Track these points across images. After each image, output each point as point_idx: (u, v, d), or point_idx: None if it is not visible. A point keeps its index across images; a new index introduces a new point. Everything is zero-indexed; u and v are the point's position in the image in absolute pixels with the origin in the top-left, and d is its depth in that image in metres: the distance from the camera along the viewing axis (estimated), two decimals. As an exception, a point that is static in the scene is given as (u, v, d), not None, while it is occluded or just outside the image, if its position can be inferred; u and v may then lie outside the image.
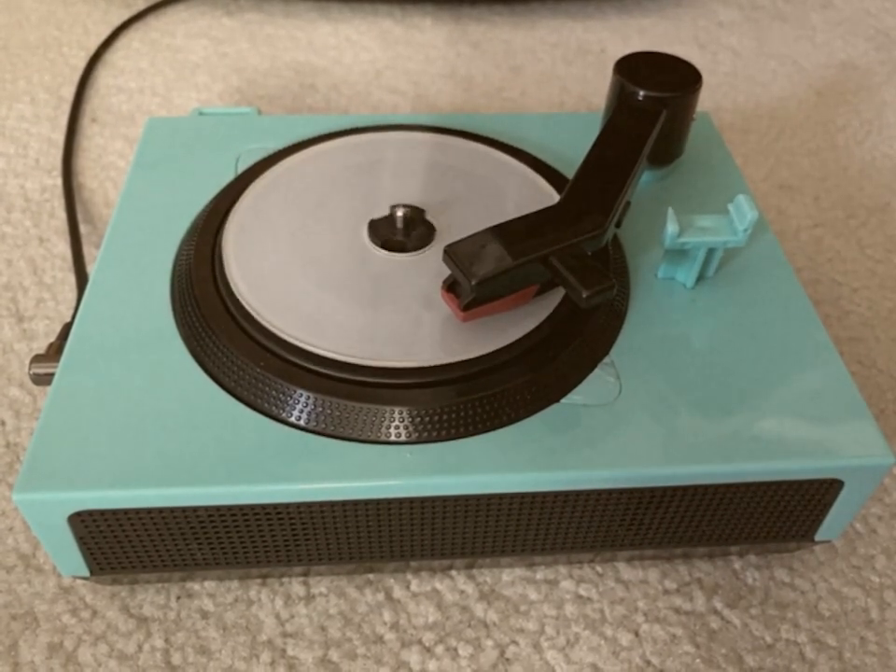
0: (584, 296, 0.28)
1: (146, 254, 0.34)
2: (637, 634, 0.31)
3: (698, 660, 0.31)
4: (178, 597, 0.32)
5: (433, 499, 0.28)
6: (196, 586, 0.32)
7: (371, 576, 0.33)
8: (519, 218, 0.30)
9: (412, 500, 0.28)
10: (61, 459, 0.27)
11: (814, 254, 0.48)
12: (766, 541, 0.32)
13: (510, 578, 0.33)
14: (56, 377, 0.29)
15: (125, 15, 0.67)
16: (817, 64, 0.65)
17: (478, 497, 0.28)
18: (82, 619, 0.31)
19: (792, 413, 0.29)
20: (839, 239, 0.49)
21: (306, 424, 0.28)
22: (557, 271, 0.29)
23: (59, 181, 0.51)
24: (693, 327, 0.32)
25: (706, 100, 0.61)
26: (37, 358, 0.32)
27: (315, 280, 0.32)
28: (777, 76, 0.64)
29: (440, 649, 0.31)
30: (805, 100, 0.61)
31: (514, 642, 0.31)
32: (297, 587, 0.32)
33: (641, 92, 0.36)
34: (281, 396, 0.29)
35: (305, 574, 0.32)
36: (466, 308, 0.29)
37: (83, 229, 0.47)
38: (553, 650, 0.31)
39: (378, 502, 0.28)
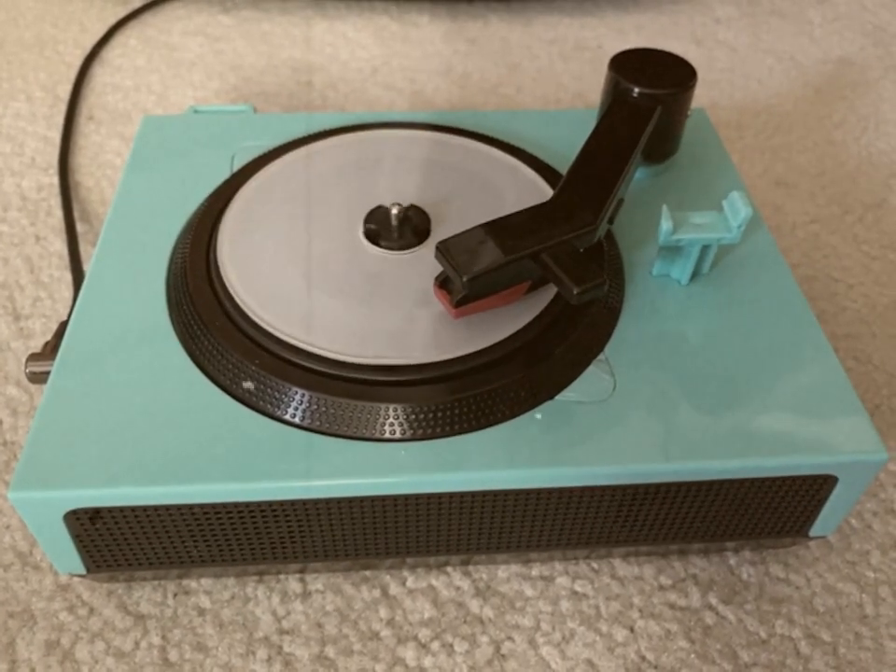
0: (575, 292, 0.28)
1: (141, 252, 0.34)
2: (632, 630, 0.31)
3: (693, 655, 0.31)
4: (175, 595, 0.32)
5: (428, 496, 0.28)
6: (193, 583, 0.32)
7: (367, 573, 0.33)
8: (511, 215, 0.30)
9: (407, 497, 0.28)
10: (57, 457, 0.27)
11: (810, 250, 0.48)
12: (761, 537, 0.32)
13: (505, 574, 0.33)
14: (52, 375, 0.30)
15: (121, 13, 0.67)
16: (814, 60, 0.65)
17: (473, 494, 0.28)
18: (79, 616, 0.31)
19: (787, 410, 0.29)
20: (835, 235, 0.49)
21: (301, 421, 0.28)
22: (549, 267, 0.29)
23: (55, 179, 0.51)
24: (688, 324, 0.32)
25: (702, 96, 0.61)
26: (34, 357, 0.32)
27: (309, 278, 0.32)
28: (773, 72, 0.64)
29: (435, 645, 0.31)
30: (801, 96, 0.61)
31: (510, 638, 0.31)
32: (293, 584, 0.32)
33: (636, 89, 0.36)
34: (276, 394, 0.29)
35: (301, 571, 0.32)
36: (458, 304, 0.29)
37: (80, 227, 0.47)
38: (548, 645, 0.31)
39: (373, 499, 0.28)
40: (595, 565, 0.33)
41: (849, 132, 0.57)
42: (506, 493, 0.28)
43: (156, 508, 0.27)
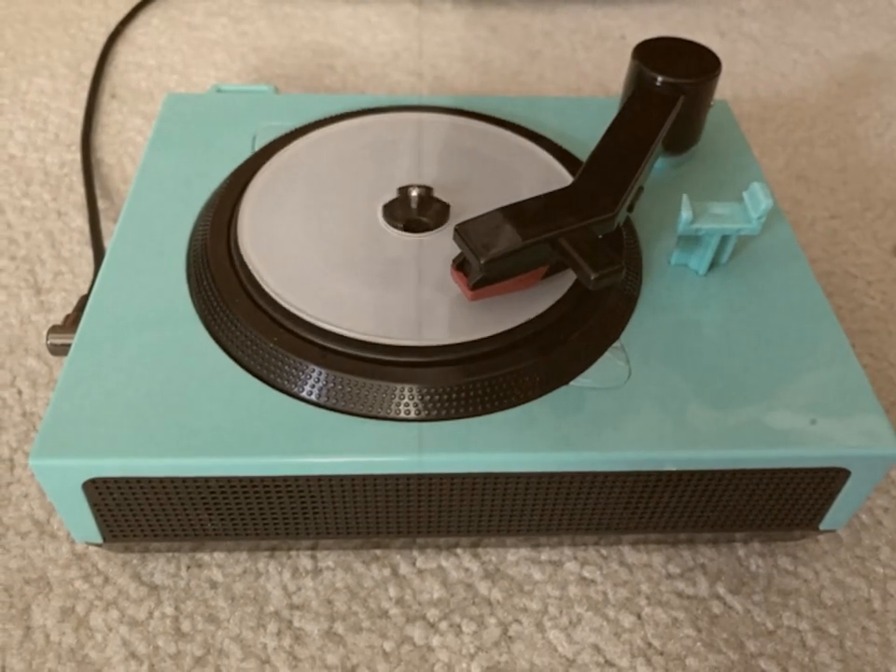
0: (592, 278, 0.28)
1: (162, 229, 0.35)
2: (639, 616, 0.32)
3: (699, 644, 0.31)
4: (188, 567, 0.32)
5: (440, 477, 0.28)
6: (206, 557, 0.33)
7: (377, 551, 0.33)
8: (530, 199, 0.30)
9: (419, 477, 0.28)
10: (77, 426, 0.27)
11: (829, 245, 0.48)
12: (771, 529, 0.32)
13: (514, 558, 0.33)
14: (74, 346, 0.30)
15: (145, -8, 0.67)
16: (839, 55, 0.64)
17: (485, 476, 0.28)
18: (94, 585, 0.32)
19: (802, 402, 0.29)
20: (855, 231, 0.49)
21: (317, 399, 0.28)
22: (567, 252, 0.29)
23: (78, 156, 0.51)
24: (705, 314, 0.32)
25: (724, 88, 0.60)
26: (55, 329, 0.32)
27: (328, 257, 0.32)
28: (797, 65, 0.63)
29: (443, 625, 0.31)
30: (825, 91, 0.60)
31: (517, 621, 0.31)
32: (304, 560, 0.33)
33: (659, 78, 0.36)
34: (293, 371, 0.29)
35: (313, 548, 0.33)
36: (475, 287, 0.29)
37: (101, 203, 0.47)
38: (555, 629, 0.31)
39: (386, 478, 0.28)
40: (603, 551, 0.33)
41: (872, 128, 0.57)
42: (517, 476, 0.28)
43: (172, 479, 0.27)
